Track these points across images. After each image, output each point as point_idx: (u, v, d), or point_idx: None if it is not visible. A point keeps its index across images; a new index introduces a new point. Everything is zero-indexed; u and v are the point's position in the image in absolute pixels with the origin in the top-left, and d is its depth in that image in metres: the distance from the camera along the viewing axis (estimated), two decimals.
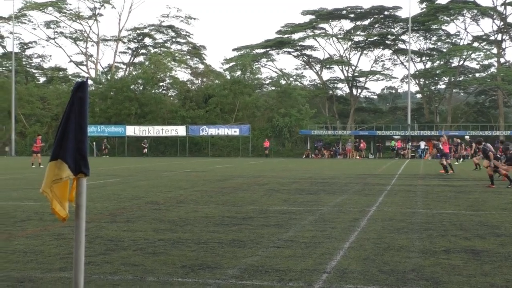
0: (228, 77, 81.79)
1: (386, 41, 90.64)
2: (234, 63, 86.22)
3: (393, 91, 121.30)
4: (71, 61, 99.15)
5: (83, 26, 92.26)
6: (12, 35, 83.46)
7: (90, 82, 77.59)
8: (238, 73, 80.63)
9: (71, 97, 4.86)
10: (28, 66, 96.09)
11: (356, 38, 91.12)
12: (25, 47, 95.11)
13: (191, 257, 8.73)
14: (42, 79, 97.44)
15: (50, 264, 8.28)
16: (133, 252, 9.18)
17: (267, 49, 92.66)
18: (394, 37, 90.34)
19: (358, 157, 65.19)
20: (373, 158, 64.98)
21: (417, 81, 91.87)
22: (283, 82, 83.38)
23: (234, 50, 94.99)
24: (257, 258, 8.69)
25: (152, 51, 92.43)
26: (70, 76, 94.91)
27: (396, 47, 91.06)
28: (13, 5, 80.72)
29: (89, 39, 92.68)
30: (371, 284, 7.18)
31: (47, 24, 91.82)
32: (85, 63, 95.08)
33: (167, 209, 14.71)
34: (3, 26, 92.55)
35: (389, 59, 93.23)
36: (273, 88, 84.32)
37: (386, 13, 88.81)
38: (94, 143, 68.49)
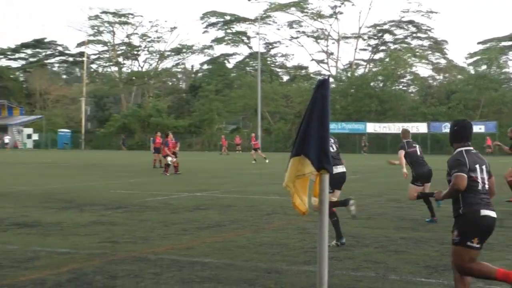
0: (472, 72, 78.44)
1: None
2: (478, 57, 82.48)
3: None
4: (312, 59, 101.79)
5: (324, 24, 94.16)
6: (258, 36, 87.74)
7: (331, 79, 78.93)
8: (483, 67, 76.99)
9: (313, 95, 4.94)
10: (272, 65, 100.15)
11: None
12: (270, 47, 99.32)
13: (434, 257, 8.50)
14: (285, 78, 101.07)
15: (295, 257, 8.53)
16: (374, 249, 9.15)
17: None
18: None
19: None
20: None
21: None
22: None
23: (479, 43, 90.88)
24: (508, 262, 8.23)
25: (392, 47, 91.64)
26: (311, 74, 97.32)
27: None
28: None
29: (329, 37, 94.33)
30: None
31: (290, 24, 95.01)
32: (326, 61, 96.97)
33: (409, 207, 14.48)
34: (250, 27, 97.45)
35: None
36: None
37: None
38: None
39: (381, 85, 79.68)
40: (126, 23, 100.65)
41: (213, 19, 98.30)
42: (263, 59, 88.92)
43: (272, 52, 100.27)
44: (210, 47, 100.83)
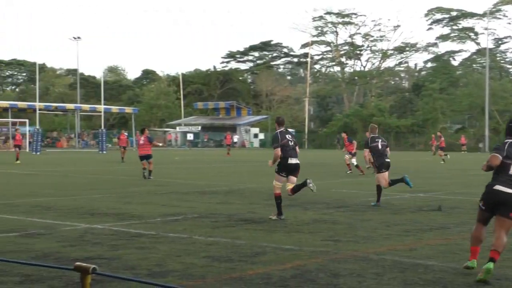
0: None
1: None
2: None
3: None
4: None
5: None
6: (486, 31, 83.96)
7: None
8: None
9: None
10: (502, 61, 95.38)
11: None
12: (500, 42, 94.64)
13: None
14: None
15: None
16: None
17: None
18: None
19: None
20: None
21: None
22: None
23: None
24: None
25: None
26: None
27: None
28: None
29: None
30: None
31: None
32: None
33: None
34: (477, 22, 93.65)
35: None
36: None
37: None
38: None
39: None
40: (349, 23, 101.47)
41: (438, 16, 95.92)
42: (491, 56, 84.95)
43: (502, 47, 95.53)
44: (434, 44, 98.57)
